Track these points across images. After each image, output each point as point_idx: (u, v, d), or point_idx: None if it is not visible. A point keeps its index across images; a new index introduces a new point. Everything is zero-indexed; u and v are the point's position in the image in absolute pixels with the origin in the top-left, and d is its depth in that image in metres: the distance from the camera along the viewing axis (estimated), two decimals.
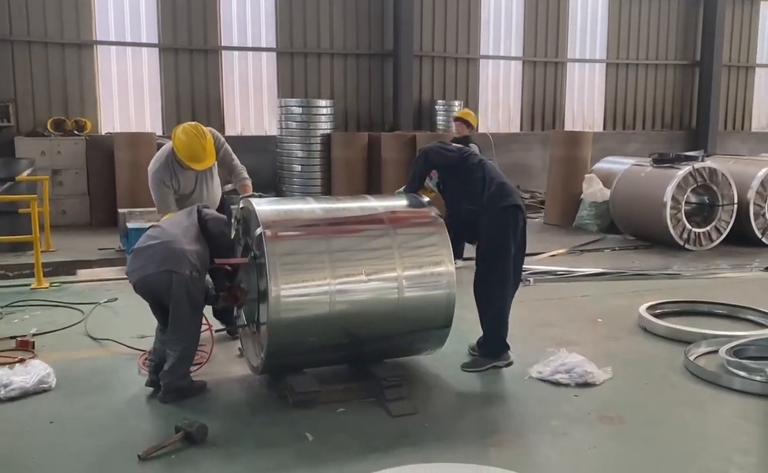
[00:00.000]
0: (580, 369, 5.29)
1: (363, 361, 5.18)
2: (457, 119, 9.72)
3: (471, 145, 8.81)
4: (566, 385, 5.17)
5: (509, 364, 5.38)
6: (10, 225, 9.83)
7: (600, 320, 6.88)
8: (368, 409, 4.76)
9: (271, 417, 4.63)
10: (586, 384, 5.18)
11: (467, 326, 5.48)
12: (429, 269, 5.14)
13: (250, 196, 5.64)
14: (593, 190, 11.97)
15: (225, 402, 4.87)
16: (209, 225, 5.06)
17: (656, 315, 6.73)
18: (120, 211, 10.11)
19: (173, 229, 4.92)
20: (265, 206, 5.06)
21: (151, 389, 4.97)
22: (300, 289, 4.78)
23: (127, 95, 13.74)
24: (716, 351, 5.71)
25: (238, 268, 5.24)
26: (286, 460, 4.11)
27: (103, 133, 13.24)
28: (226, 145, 6.17)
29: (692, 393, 5.17)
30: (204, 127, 5.82)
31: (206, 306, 5.06)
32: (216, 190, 6.22)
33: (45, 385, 4.99)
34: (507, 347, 5.38)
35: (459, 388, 5.19)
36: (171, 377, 4.83)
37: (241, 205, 5.33)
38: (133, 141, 12.07)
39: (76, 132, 12.71)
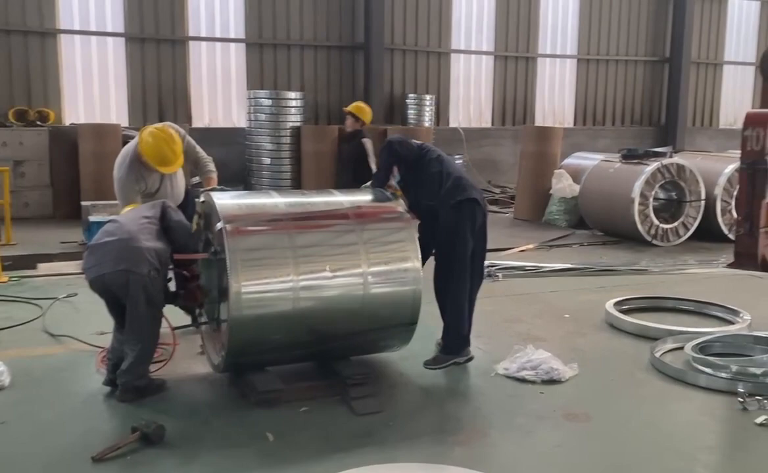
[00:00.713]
0: (546, 366, 5.25)
1: (327, 359, 5.09)
2: (348, 113, 9.21)
3: (363, 140, 8.80)
4: (532, 382, 5.13)
5: (470, 359, 5.35)
6: None
7: (567, 316, 6.86)
8: (332, 408, 4.67)
9: (232, 417, 4.52)
10: (552, 381, 5.15)
11: (434, 322, 5.40)
12: (395, 265, 5.06)
13: (213, 190, 5.51)
14: (562, 185, 11.99)
15: (184, 402, 4.75)
16: (173, 225, 4.94)
17: (623, 311, 6.72)
18: (83, 203, 9.88)
19: (131, 225, 4.78)
20: (226, 200, 4.94)
21: (108, 388, 4.83)
22: (262, 286, 4.68)
23: (92, 86, 13.44)
24: (682, 348, 5.71)
25: (199, 268, 5.12)
26: (246, 461, 4.01)
27: (67, 124, 12.94)
28: (188, 138, 6.04)
29: (658, 390, 5.16)
30: (170, 128, 5.68)
31: (166, 305, 4.92)
32: (180, 184, 6.09)
33: None
34: (467, 342, 5.32)
35: (425, 385, 5.12)
36: (129, 376, 4.70)
37: (202, 199, 5.21)
38: (97, 132, 11.82)
39: (39, 123, 12.41)
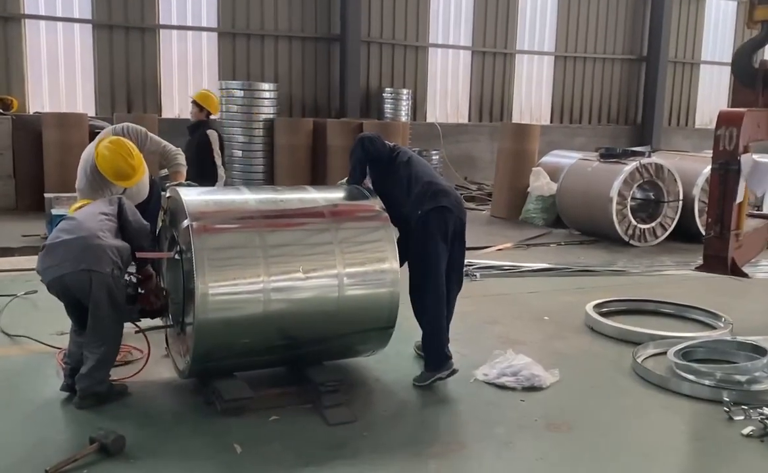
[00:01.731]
0: (527, 372, 5.07)
1: (299, 364, 4.85)
2: (193, 102, 8.38)
3: (208, 132, 8.06)
4: (512, 389, 4.95)
5: (453, 373, 4.98)
6: None
7: (546, 318, 6.69)
8: (304, 417, 4.43)
9: (197, 426, 4.27)
10: (532, 388, 4.97)
11: (412, 324, 5.17)
12: (372, 266, 4.84)
13: (180, 185, 5.23)
14: (540, 183, 11.84)
15: (147, 409, 4.48)
16: (129, 224, 4.70)
17: (603, 314, 6.57)
18: (46, 195, 9.54)
19: (90, 222, 4.50)
20: (193, 196, 4.68)
21: (66, 394, 4.55)
22: (230, 287, 4.43)
23: (58, 73, 13.02)
24: (664, 353, 5.56)
25: (156, 271, 4.86)
26: None
27: (31, 113, 12.51)
28: (151, 136, 5.78)
29: (640, 397, 5.00)
30: (127, 141, 5.39)
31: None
32: (144, 180, 5.77)
33: None
34: (447, 357, 4.97)
35: (401, 393, 4.90)
36: (89, 381, 4.42)
37: (168, 194, 4.94)
38: (63, 121, 11.41)
39: (1, 111, 11.97)
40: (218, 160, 7.92)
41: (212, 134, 8.06)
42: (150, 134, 5.78)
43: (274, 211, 4.78)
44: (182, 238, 4.58)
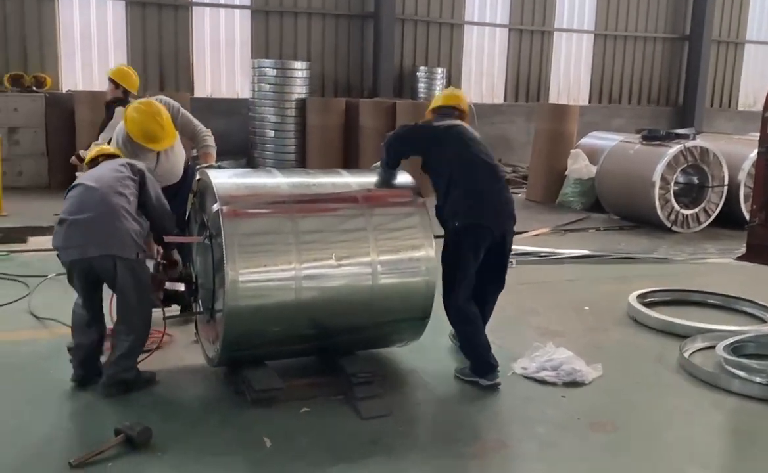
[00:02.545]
0: (567, 367, 4.85)
1: (331, 353, 4.69)
2: (109, 79, 7.54)
3: (118, 109, 7.10)
4: (553, 384, 4.73)
5: (495, 386, 4.64)
6: None
7: (587, 308, 6.45)
8: (336, 409, 4.27)
9: (226, 418, 4.13)
10: (574, 384, 4.75)
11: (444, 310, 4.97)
12: (406, 254, 4.64)
13: (210, 167, 5.06)
14: (579, 166, 11.50)
15: (174, 399, 4.35)
16: (149, 201, 4.53)
17: (646, 305, 6.31)
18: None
19: (112, 196, 4.29)
20: (223, 179, 4.51)
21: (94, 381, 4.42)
22: (261, 274, 4.26)
23: (91, 51, 12.96)
24: (713, 348, 5.29)
25: (184, 257, 4.74)
26: (238, 471, 3.62)
27: (64, 91, 12.48)
28: (183, 111, 5.60)
29: (688, 395, 4.75)
30: (157, 102, 5.27)
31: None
32: (179, 159, 5.61)
33: None
34: (491, 366, 4.67)
35: (437, 385, 4.71)
36: (116, 369, 4.30)
37: (197, 177, 4.78)
38: (95, 100, 11.27)
39: (35, 88, 11.95)
40: None
41: (120, 112, 7.05)
42: (183, 110, 5.61)
43: (307, 195, 4.59)
44: (212, 223, 4.42)
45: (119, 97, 7.33)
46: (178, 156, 5.63)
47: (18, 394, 4.31)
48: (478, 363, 4.67)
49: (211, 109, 13.00)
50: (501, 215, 4.77)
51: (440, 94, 5.36)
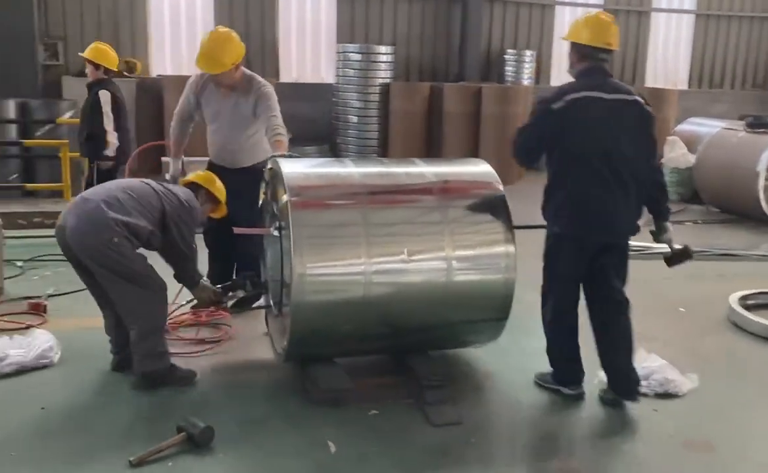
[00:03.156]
0: (660, 376, 4.46)
1: (402, 353, 4.47)
2: (86, 59, 6.97)
3: (100, 92, 6.78)
4: (643, 395, 4.33)
5: (577, 396, 4.30)
6: (49, 169, 9.50)
7: (682, 310, 5.99)
8: (405, 414, 4.05)
9: (291, 417, 3.97)
10: (666, 395, 4.37)
11: (526, 310, 4.63)
12: (485, 249, 4.37)
13: (282, 156, 4.88)
14: (676, 154, 10.82)
15: (240, 395, 4.22)
16: (169, 236, 4.26)
17: (749, 308, 5.81)
18: (164, 159, 9.56)
19: (105, 193, 4.21)
20: (294, 169, 4.34)
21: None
22: (330, 268, 4.08)
23: (180, 35, 13.12)
24: None
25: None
26: None
27: (153, 76, 12.70)
28: (269, 95, 5.30)
29: None
30: (233, 33, 5.25)
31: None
32: (247, 143, 5.40)
33: (45, 361, 4.45)
34: (574, 375, 4.31)
35: (513, 392, 4.40)
36: (136, 359, 4.21)
37: (269, 165, 4.63)
38: (183, 84, 11.28)
39: (126, 73, 12.19)
40: (108, 125, 6.78)
41: (104, 94, 6.81)
42: (272, 94, 5.36)
43: (379, 186, 4.38)
44: (282, 214, 4.27)
45: (102, 78, 6.92)
46: (248, 142, 5.40)
47: (86, 385, 4.29)
48: (562, 372, 4.33)
49: (297, 94, 12.94)
50: (610, 224, 4.09)
51: (581, 23, 4.31)
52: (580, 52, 4.21)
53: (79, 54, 7.11)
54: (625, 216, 4.12)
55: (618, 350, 4.17)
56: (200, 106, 5.51)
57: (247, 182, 5.04)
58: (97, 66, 6.90)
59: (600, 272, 4.14)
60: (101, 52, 6.94)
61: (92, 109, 6.87)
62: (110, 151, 6.83)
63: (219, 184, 4.72)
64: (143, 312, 4.16)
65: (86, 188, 6.87)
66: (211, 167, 5.35)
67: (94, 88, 6.89)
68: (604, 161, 3.98)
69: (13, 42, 11.21)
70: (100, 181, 6.45)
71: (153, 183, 4.39)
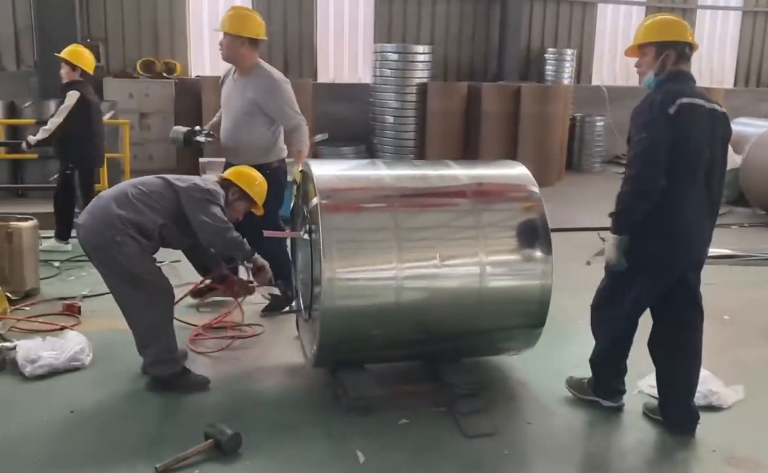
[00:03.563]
0: (703, 388, 4.26)
1: (434, 360, 4.36)
2: (62, 59, 6.83)
3: (69, 93, 6.68)
4: None
5: (617, 407, 4.13)
6: None
7: (727, 317, 5.77)
8: (436, 423, 3.94)
9: (320, 425, 3.89)
10: (710, 408, 4.19)
11: (563, 317, 4.48)
12: (520, 255, 4.25)
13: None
14: None
15: (269, 400, 4.17)
16: (188, 214, 4.18)
17: None
18: (201, 160, 9.62)
19: (116, 192, 4.20)
20: (325, 171, 4.27)
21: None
22: (360, 273, 4.00)
23: (217, 36, 13.16)
24: None
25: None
26: None
27: (192, 77, 12.78)
28: (275, 89, 5.25)
29: None
30: (256, 13, 5.47)
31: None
32: (251, 136, 5.32)
33: (77, 363, 4.45)
34: (616, 390, 4.13)
35: (548, 402, 4.26)
36: (144, 362, 4.24)
37: (300, 168, 4.57)
38: (218, 86, 11.51)
39: (165, 74, 12.30)
40: (57, 117, 6.70)
41: (72, 94, 6.70)
42: (285, 96, 5.30)
43: (411, 189, 4.29)
44: (312, 217, 4.20)
45: (77, 79, 6.80)
46: (242, 118, 5.37)
47: (116, 387, 4.27)
48: (608, 383, 4.14)
49: (334, 94, 12.91)
50: (704, 256, 3.93)
51: (669, 20, 3.88)
52: (680, 51, 3.73)
53: (55, 54, 7.00)
54: (707, 244, 3.91)
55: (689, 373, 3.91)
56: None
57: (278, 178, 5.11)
58: (73, 67, 6.81)
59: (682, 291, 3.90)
60: (78, 54, 6.85)
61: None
62: (40, 135, 6.74)
63: (253, 178, 4.58)
64: (141, 317, 4.15)
65: (59, 193, 6.97)
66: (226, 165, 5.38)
67: (67, 89, 6.81)
68: (706, 179, 3.68)
69: (55, 43, 11.36)
70: (81, 184, 6.78)
71: (168, 176, 4.35)
